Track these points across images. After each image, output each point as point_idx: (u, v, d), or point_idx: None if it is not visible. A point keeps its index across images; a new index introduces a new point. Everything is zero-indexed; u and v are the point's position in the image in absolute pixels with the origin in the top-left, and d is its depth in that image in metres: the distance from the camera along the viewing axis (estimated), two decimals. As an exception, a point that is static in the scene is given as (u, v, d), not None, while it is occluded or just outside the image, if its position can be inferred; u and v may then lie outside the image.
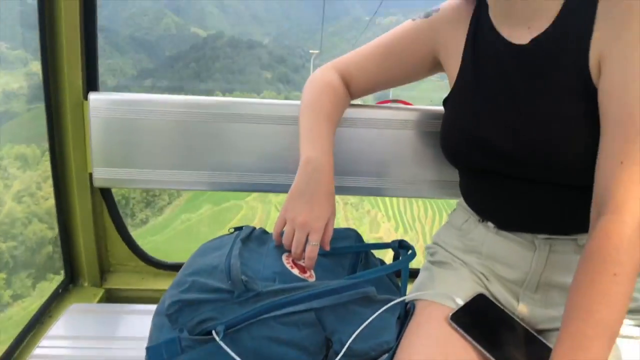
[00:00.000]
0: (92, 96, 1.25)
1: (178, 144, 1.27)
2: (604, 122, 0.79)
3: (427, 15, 1.07)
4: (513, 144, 0.89)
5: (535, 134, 0.86)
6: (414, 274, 1.13)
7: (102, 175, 1.29)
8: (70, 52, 1.25)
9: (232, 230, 1.07)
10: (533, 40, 0.89)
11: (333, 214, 0.95)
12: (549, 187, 0.88)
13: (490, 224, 1.00)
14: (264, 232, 1.07)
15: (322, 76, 1.11)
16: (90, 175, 1.32)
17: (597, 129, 0.80)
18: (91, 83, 1.30)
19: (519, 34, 0.91)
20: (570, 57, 0.84)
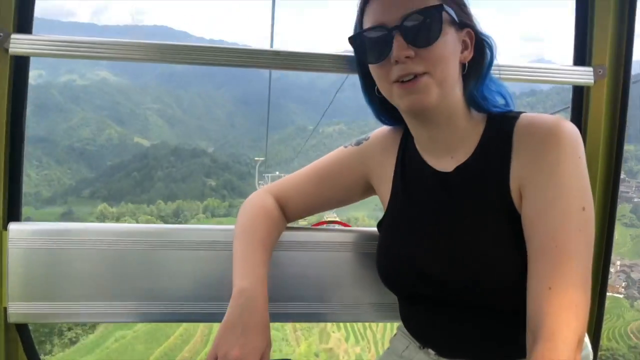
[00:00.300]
0: (12, 226, 1.17)
1: (103, 274, 1.20)
2: (529, 247, 0.82)
3: (358, 143, 1.12)
4: (443, 267, 0.90)
5: (464, 257, 0.88)
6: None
7: (18, 310, 1.19)
8: None
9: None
10: (457, 169, 0.93)
11: (268, 346, 0.90)
12: (484, 313, 0.88)
13: (430, 351, 0.97)
14: (194, 369, 1.00)
15: (256, 200, 1.10)
16: (5, 309, 1.21)
17: (524, 251, 0.83)
18: (12, 212, 1.22)
19: (444, 162, 0.95)
20: (493, 184, 0.89)
